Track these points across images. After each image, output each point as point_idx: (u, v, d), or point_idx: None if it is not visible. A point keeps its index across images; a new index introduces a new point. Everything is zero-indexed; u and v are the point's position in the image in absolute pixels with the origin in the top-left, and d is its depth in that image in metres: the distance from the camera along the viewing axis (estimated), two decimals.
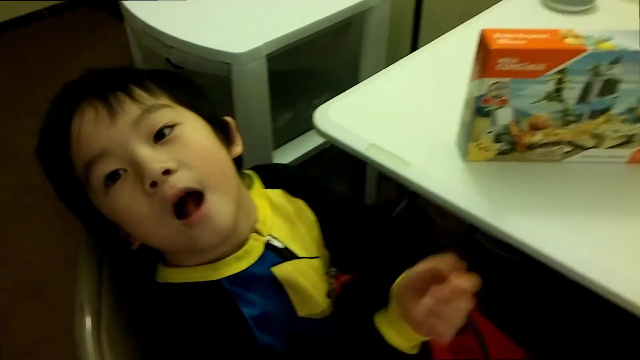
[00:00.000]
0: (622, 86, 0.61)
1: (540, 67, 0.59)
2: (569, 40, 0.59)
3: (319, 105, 0.80)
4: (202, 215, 0.49)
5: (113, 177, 0.49)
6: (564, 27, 0.61)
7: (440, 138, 0.72)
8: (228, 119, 0.62)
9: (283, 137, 1.31)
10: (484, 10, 1.04)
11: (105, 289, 0.51)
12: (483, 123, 0.64)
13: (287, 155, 1.29)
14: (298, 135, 1.34)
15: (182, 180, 0.49)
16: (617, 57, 0.58)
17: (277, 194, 0.64)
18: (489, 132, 0.65)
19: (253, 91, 1.09)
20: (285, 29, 1.08)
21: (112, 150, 0.49)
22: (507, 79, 0.60)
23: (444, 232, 1.42)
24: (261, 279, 0.57)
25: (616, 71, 0.59)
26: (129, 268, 0.59)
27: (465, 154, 0.68)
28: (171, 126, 0.52)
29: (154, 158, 0.48)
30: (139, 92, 0.52)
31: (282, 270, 0.58)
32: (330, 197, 0.69)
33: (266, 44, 1.05)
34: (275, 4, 1.18)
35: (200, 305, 0.53)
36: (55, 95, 0.55)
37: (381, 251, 0.66)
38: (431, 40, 0.96)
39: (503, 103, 0.62)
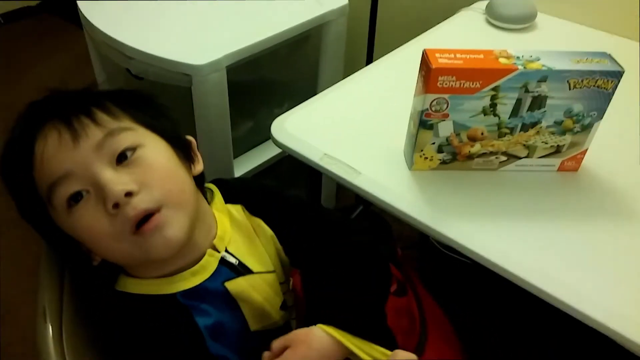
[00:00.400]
0: (550, 102, 0.67)
1: (476, 84, 0.65)
2: (502, 60, 0.65)
3: (279, 115, 0.84)
4: (153, 225, 0.52)
5: (76, 198, 0.52)
6: (502, 46, 0.67)
7: (389, 148, 0.77)
8: (189, 138, 0.65)
9: (243, 146, 1.34)
10: (433, 26, 1.11)
11: (67, 295, 0.53)
12: (426, 135, 0.70)
13: (247, 163, 1.32)
14: (258, 144, 1.38)
15: (143, 201, 0.52)
16: (544, 76, 0.64)
17: (237, 209, 0.66)
18: (432, 143, 0.71)
19: (213, 102, 1.12)
20: (245, 42, 1.12)
21: (75, 173, 0.51)
22: (447, 95, 0.65)
23: (400, 237, 1.47)
24: (215, 293, 0.60)
25: (543, 88, 0.65)
26: (88, 277, 0.60)
27: (411, 163, 0.73)
28: (133, 148, 0.54)
29: (116, 180, 0.51)
30: (102, 116, 0.54)
31: (236, 285, 0.61)
32: (290, 205, 0.70)
33: (226, 56, 1.08)
34: (235, 17, 1.21)
35: (156, 316, 0.56)
36: (19, 116, 0.56)
37: (339, 248, 0.68)
38: (386, 52, 1.02)
39: (444, 117, 0.68)
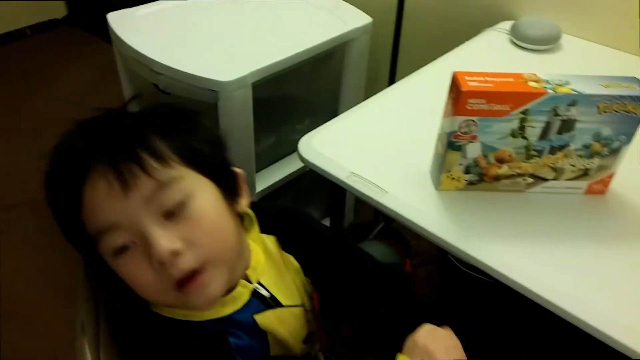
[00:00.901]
0: (579, 125, 0.67)
1: (505, 107, 0.65)
2: (531, 84, 0.65)
3: (301, 130, 0.85)
4: (196, 285, 0.52)
5: (122, 250, 0.51)
6: (528, 66, 0.68)
7: (415, 168, 0.78)
8: (237, 171, 0.63)
9: (265, 160, 1.36)
10: (457, 46, 1.12)
11: (104, 310, 0.54)
12: (454, 156, 0.70)
13: (269, 177, 1.33)
14: (280, 159, 1.39)
15: (188, 261, 0.51)
16: (574, 100, 0.65)
17: (270, 241, 0.66)
18: (459, 165, 0.71)
19: (238, 117, 1.14)
20: (270, 59, 1.14)
21: (123, 225, 0.50)
22: (476, 118, 0.66)
23: (418, 253, 1.47)
24: (243, 324, 0.60)
25: (573, 112, 0.66)
26: (126, 297, 0.59)
27: (438, 183, 0.74)
28: (182, 202, 0.52)
29: (164, 239, 0.50)
30: (151, 163, 0.51)
31: (265, 318, 0.61)
32: (323, 241, 0.70)
33: (252, 73, 1.10)
34: (262, 34, 1.23)
35: (187, 337, 0.56)
36: (59, 151, 0.54)
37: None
38: (408, 70, 1.03)
39: (472, 138, 0.68)
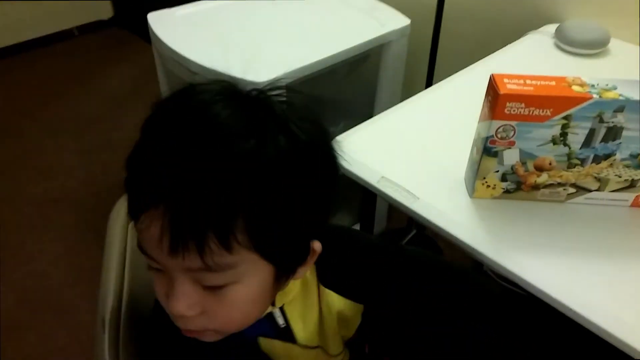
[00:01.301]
0: (625, 133, 0.63)
1: (546, 112, 0.62)
2: (575, 88, 0.62)
3: (335, 133, 0.83)
4: (197, 335, 0.49)
5: (155, 269, 0.47)
6: (574, 72, 0.64)
7: (449, 174, 0.75)
8: (315, 248, 0.51)
9: None
10: (498, 49, 1.08)
11: (126, 305, 0.54)
12: (490, 162, 0.67)
13: None
14: None
15: (194, 326, 0.47)
16: (621, 106, 0.61)
17: (311, 271, 0.57)
18: (495, 171, 0.68)
19: None
20: (305, 60, 1.13)
21: (159, 262, 0.45)
22: (514, 122, 0.63)
23: None
24: (246, 342, 0.56)
25: (619, 119, 0.62)
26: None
27: (472, 190, 0.71)
28: (223, 285, 0.46)
29: (182, 302, 0.45)
30: (212, 247, 0.42)
31: (270, 345, 0.56)
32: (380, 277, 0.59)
33: (287, 74, 1.09)
34: (297, 35, 1.22)
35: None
36: (141, 150, 0.45)
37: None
38: (446, 74, 1.00)
39: (510, 144, 0.65)
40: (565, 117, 0.62)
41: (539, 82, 0.63)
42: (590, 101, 0.61)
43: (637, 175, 0.67)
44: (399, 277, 0.57)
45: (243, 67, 1.11)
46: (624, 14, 1.05)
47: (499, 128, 0.64)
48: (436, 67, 1.32)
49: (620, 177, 0.67)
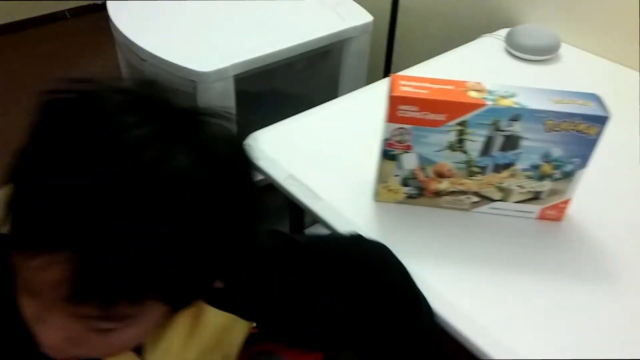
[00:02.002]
0: (525, 143, 0.61)
1: (440, 117, 0.60)
2: (472, 94, 0.59)
3: None
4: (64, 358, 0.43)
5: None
6: (520, 79, 0.63)
7: (360, 177, 0.73)
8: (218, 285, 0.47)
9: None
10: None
11: None
12: (389, 166, 0.65)
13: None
14: None
15: (64, 354, 0.41)
16: (516, 115, 0.58)
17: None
18: (396, 176, 0.66)
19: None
20: (256, 52, 1.11)
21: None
22: (409, 126, 0.61)
23: None
24: None
25: (517, 128, 0.60)
26: None
27: (376, 194, 0.69)
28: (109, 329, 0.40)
29: (52, 336, 0.39)
30: (122, 303, 0.38)
31: None
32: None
33: (234, 65, 1.08)
34: (252, 27, 1.21)
35: None
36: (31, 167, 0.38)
37: None
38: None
39: (407, 148, 0.63)
40: (460, 124, 0.60)
41: (436, 86, 0.60)
42: (485, 108, 0.58)
43: (540, 187, 0.65)
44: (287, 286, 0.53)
45: (189, 56, 1.10)
46: (577, 20, 1.02)
47: (394, 131, 0.62)
48: (396, 65, 1.30)
49: (523, 188, 0.65)
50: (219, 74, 1.07)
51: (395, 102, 0.59)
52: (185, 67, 1.06)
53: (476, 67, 1.00)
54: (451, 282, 0.60)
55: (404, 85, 0.60)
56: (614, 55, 1.00)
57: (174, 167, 0.37)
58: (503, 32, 1.09)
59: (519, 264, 0.63)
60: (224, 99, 1.11)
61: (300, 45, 1.17)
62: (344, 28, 1.23)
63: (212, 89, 1.08)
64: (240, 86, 1.15)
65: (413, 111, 0.60)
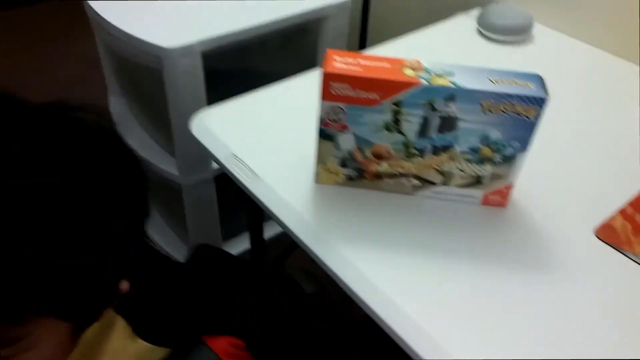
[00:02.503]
0: (463, 125, 0.58)
1: (374, 95, 0.57)
2: (407, 72, 0.57)
3: None
4: None
5: None
6: (489, 58, 0.60)
7: (305, 158, 0.71)
8: (123, 287, 0.44)
9: None
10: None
11: None
12: (326, 146, 0.63)
13: None
14: None
15: None
16: (451, 95, 0.56)
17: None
18: (334, 157, 0.64)
19: (186, 87, 1.10)
20: (225, 29, 1.09)
21: None
22: (343, 104, 0.59)
23: None
24: None
25: (453, 109, 0.57)
26: None
27: (315, 176, 0.67)
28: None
29: None
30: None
31: None
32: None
33: (201, 42, 1.06)
34: (225, 4, 1.18)
35: None
36: None
37: None
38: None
39: (343, 128, 0.61)
40: (395, 103, 0.58)
41: (372, 63, 0.58)
42: (418, 87, 0.56)
43: (480, 171, 0.62)
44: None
45: (155, 32, 1.07)
46: (551, 0, 0.98)
47: (328, 109, 0.60)
48: (372, 43, 1.27)
49: (463, 171, 0.63)
50: (185, 50, 1.05)
51: (327, 78, 0.57)
52: (149, 43, 1.04)
53: (445, 47, 0.97)
54: (384, 269, 0.58)
55: (339, 62, 0.58)
56: (588, 37, 0.96)
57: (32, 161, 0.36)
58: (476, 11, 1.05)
59: (458, 251, 0.61)
60: (190, 76, 1.09)
61: (273, 22, 1.15)
62: (320, 6, 1.20)
63: (178, 65, 1.06)
64: (210, 64, 1.13)
65: (346, 89, 0.58)
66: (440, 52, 0.94)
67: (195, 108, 1.15)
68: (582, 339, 0.52)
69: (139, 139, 1.37)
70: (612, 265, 0.60)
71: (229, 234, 1.46)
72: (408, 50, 0.94)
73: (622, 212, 0.66)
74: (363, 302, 0.55)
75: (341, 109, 0.59)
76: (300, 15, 1.18)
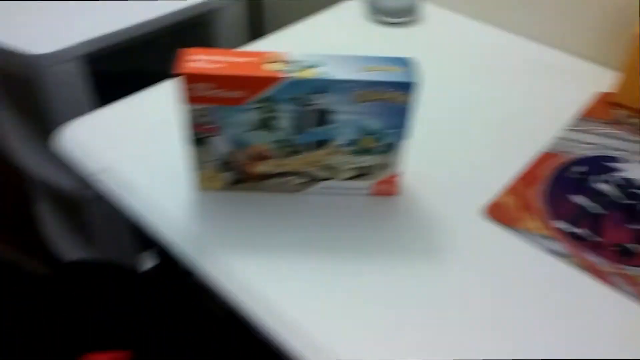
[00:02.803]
0: (340, 117, 0.56)
1: (239, 94, 0.53)
2: (271, 66, 0.53)
3: None
4: None
5: None
6: (379, 42, 0.57)
7: (181, 166, 0.66)
8: None
9: None
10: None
11: None
12: (201, 151, 0.59)
13: None
14: None
15: None
16: (321, 87, 0.53)
17: None
18: (211, 161, 0.60)
19: (66, 96, 1.01)
20: (105, 29, 1.01)
21: None
22: (208, 106, 0.54)
23: None
24: None
25: (325, 101, 0.54)
26: None
27: (196, 183, 0.63)
28: None
29: None
30: None
31: None
32: None
33: (79, 45, 0.98)
34: (105, 4, 1.10)
35: None
36: None
37: None
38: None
39: (214, 130, 0.57)
40: (263, 100, 0.54)
41: (233, 59, 0.54)
42: (285, 82, 0.52)
43: (366, 162, 0.60)
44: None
45: (26, 38, 0.98)
46: None
47: (195, 112, 0.55)
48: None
49: (348, 164, 0.60)
50: (61, 55, 0.96)
51: (187, 80, 0.52)
52: (18, 51, 0.95)
53: (335, 33, 0.94)
54: (271, 275, 0.55)
55: (196, 61, 0.53)
56: (478, 14, 0.96)
57: None
58: None
59: (346, 247, 0.58)
60: (71, 83, 1.01)
61: (161, 18, 1.08)
62: None
63: (55, 73, 0.97)
64: (95, 67, 1.05)
65: (208, 89, 0.53)
66: (330, 39, 0.92)
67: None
68: (476, 323, 0.51)
69: (32, 154, 1.26)
70: (503, 245, 0.59)
71: (148, 245, 1.39)
72: (297, 40, 0.91)
73: (512, 189, 0.65)
74: (248, 313, 0.52)
75: (208, 110, 0.55)
76: (189, 9, 1.12)
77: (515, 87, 0.82)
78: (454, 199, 0.64)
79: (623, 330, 0.51)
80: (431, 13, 0.98)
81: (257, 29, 1.23)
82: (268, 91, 0.53)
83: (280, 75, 0.52)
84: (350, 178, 0.62)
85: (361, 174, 0.61)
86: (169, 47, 1.31)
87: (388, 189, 0.63)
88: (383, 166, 0.60)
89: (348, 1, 1.03)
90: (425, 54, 0.88)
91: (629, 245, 0.58)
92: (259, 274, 0.55)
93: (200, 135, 0.57)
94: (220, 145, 0.58)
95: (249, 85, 0.53)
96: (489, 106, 0.78)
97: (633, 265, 0.56)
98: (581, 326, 0.51)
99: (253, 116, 0.55)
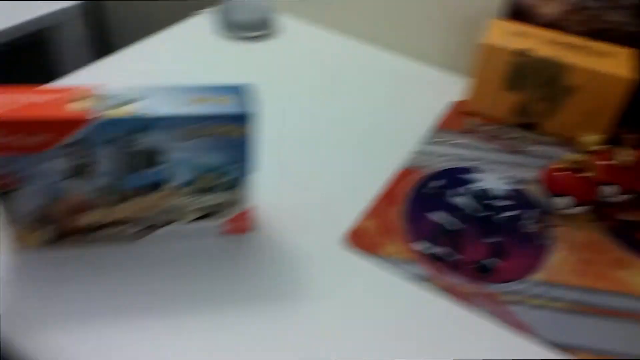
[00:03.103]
0: (170, 155, 0.49)
1: (40, 140, 0.45)
2: (77, 105, 0.45)
3: None
4: None
5: None
6: (233, 60, 0.49)
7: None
8: None
9: None
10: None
11: None
12: (8, 207, 0.49)
13: None
14: None
15: None
16: (141, 125, 0.46)
17: None
18: (23, 217, 0.50)
19: None
20: None
21: None
22: (9, 155, 0.45)
23: None
24: None
25: (149, 140, 0.47)
26: None
27: (12, 242, 0.53)
28: None
29: None
30: None
31: None
32: None
33: None
34: None
35: None
36: None
37: None
38: None
39: (18, 183, 0.47)
40: (73, 144, 0.46)
41: (32, 98, 0.45)
42: (96, 122, 0.45)
43: (209, 201, 0.54)
44: None
45: None
46: None
47: None
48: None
49: (191, 205, 0.53)
50: None
51: None
52: None
53: (183, 52, 0.86)
54: (101, 349, 0.47)
55: None
56: (335, 25, 0.94)
57: None
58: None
59: (200, 298, 0.52)
60: None
61: None
62: (46, 14, 1.02)
63: None
64: None
65: (3, 136, 0.44)
66: (178, 57, 0.84)
67: None
68: (348, 354, 0.47)
69: None
70: (364, 275, 0.56)
71: None
72: (143, 59, 0.82)
73: (372, 212, 0.63)
74: None
75: (5, 161, 0.46)
76: (23, 27, 0.99)
77: (372, 101, 0.80)
78: (313, 230, 0.60)
79: (485, 354, 0.49)
80: (287, 25, 0.94)
81: (102, 47, 1.12)
82: (77, 134, 0.45)
83: (88, 115, 0.44)
84: (198, 219, 0.55)
85: (208, 213, 0.55)
86: (8, 64, 1.16)
87: (241, 226, 0.57)
88: (231, 203, 0.55)
89: (195, 17, 0.96)
90: (278, 69, 0.84)
91: (485, 262, 0.58)
92: (89, 351, 0.46)
93: (4, 189, 0.48)
94: (30, 198, 0.49)
95: (50, 129, 0.44)
96: (345, 123, 0.76)
97: (491, 282, 0.56)
98: (445, 354, 0.49)
99: (62, 163, 0.47)
